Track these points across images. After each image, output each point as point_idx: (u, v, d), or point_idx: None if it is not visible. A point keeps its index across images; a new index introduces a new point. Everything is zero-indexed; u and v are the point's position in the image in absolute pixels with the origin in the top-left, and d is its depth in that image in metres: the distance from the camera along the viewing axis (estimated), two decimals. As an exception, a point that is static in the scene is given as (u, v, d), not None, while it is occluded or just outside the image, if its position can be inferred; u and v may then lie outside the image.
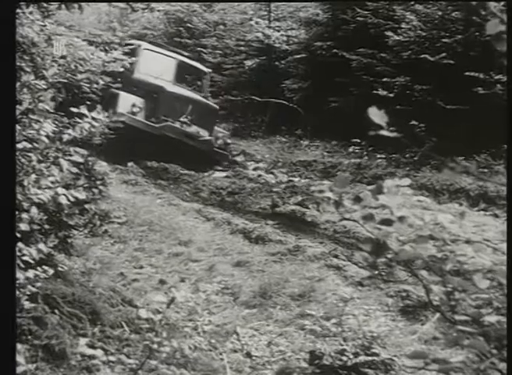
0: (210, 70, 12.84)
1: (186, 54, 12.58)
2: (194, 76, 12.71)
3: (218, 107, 12.12)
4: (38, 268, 2.96)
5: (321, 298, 4.53)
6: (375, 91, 9.76)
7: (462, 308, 1.98)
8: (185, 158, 10.83)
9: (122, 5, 13.85)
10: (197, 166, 10.86)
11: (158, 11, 14.27)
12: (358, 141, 10.19)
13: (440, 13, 9.67)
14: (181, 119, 11.20)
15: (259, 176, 9.60)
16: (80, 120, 3.57)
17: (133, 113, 10.86)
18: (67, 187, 3.48)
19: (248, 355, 3.85)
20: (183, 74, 12.36)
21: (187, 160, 10.85)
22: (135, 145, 10.67)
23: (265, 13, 13.82)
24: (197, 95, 12.02)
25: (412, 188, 2.10)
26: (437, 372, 1.94)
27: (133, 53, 10.99)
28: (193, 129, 11.29)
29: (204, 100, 12.00)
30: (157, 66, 11.81)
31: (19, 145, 3.15)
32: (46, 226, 3.53)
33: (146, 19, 14.54)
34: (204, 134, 11.37)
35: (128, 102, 10.90)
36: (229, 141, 11.88)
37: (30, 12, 4.20)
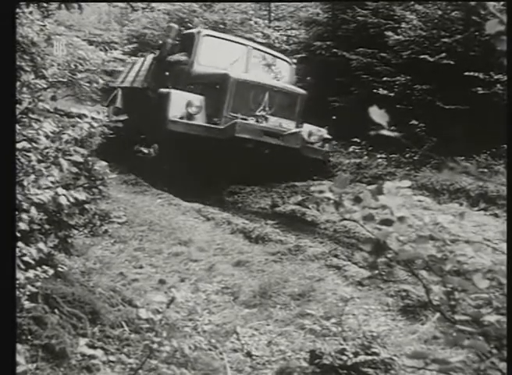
0: (294, 60, 10.63)
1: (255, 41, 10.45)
2: (272, 66, 10.03)
3: (305, 91, 9.27)
4: (38, 268, 2.96)
5: (321, 297, 4.53)
6: (375, 91, 9.77)
7: (462, 308, 1.98)
8: (271, 165, 8.49)
9: (122, 4, 13.84)
10: (292, 175, 8.64)
11: (159, 10, 14.26)
12: (358, 140, 10.19)
13: (440, 13, 9.66)
14: (257, 113, 8.62)
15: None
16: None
17: (190, 116, 8.40)
18: (67, 187, 3.49)
19: (248, 354, 3.85)
20: (258, 66, 9.75)
21: (274, 168, 8.53)
22: (197, 164, 8.34)
23: (265, 13, 13.82)
24: (273, 80, 9.46)
25: (412, 188, 2.10)
26: (437, 372, 1.94)
27: (189, 43, 9.59)
28: (274, 122, 8.64)
29: (286, 84, 9.40)
30: (222, 56, 9.44)
31: (18, 145, 3.15)
32: (46, 226, 3.54)
33: (146, 18, 14.52)
34: (290, 126, 8.66)
35: (181, 102, 8.43)
36: (326, 135, 9.05)
37: (30, 12, 4.20)
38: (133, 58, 12.43)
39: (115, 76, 12.21)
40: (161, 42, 10.81)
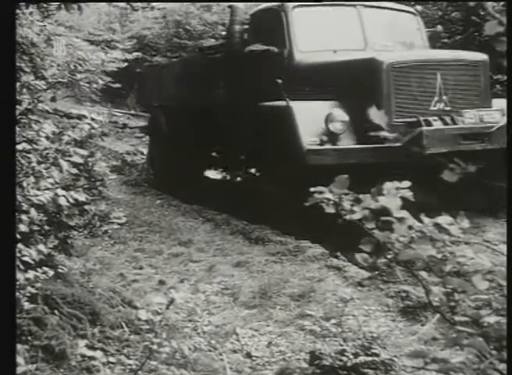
0: (418, 8, 7.59)
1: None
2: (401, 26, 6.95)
3: (486, 56, 6.12)
4: (38, 269, 2.96)
5: (321, 298, 4.52)
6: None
7: (462, 309, 1.98)
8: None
9: (122, 4, 13.84)
10: None
11: (158, 9, 14.25)
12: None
13: (440, 13, 9.67)
14: (432, 108, 5.72)
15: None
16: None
17: (334, 137, 5.67)
18: (67, 188, 3.49)
19: (248, 355, 3.85)
20: (380, 32, 6.80)
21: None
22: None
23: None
24: (431, 50, 6.97)
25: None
26: (437, 372, 1.94)
27: (269, 25, 6.93)
28: (471, 115, 5.64)
29: (459, 52, 6.50)
30: (326, 31, 6.70)
31: (18, 146, 3.16)
32: (46, 227, 3.53)
33: (146, 19, 14.53)
34: (494, 117, 5.66)
35: (314, 118, 5.69)
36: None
37: (30, 13, 4.20)
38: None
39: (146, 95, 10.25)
40: (224, 32, 8.49)
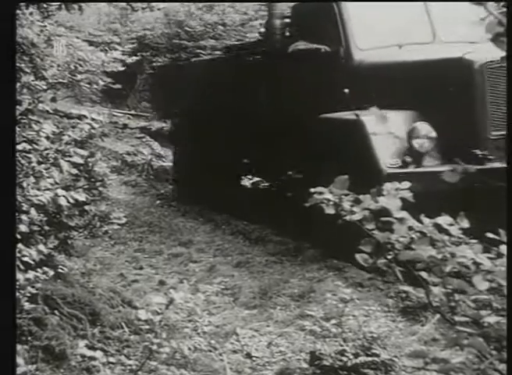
0: None
1: None
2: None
3: None
4: (38, 269, 2.96)
5: (321, 298, 4.52)
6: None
7: (462, 310, 1.98)
8: None
9: (122, 5, 13.83)
10: None
11: (158, 9, 14.24)
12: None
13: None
14: None
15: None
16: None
17: (420, 156, 4.72)
18: (67, 188, 3.49)
19: (248, 355, 3.85)
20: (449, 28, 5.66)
21: None
22: None
23: (265, 13, 13.80)
24: None
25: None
26: (437, 372, 1.94)
27: (315, 20, 5.90)
28: None
29: None
30: (387, 26, 5.56)
31: (18, 146, 3.16)
32: (46, 228, 3.54)
33: (146, 19, 14.52)
34: None
35: (391, 134, 4.67)
36: None
37: (30, 13, 4.20)
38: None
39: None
40: (261, 29, 7.28)
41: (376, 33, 5.60)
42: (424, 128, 4.78)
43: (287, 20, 6.26)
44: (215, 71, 7.60)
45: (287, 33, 6.21)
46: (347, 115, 5.02)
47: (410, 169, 4.65)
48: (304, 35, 6.01)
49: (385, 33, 5.57)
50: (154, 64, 12.03)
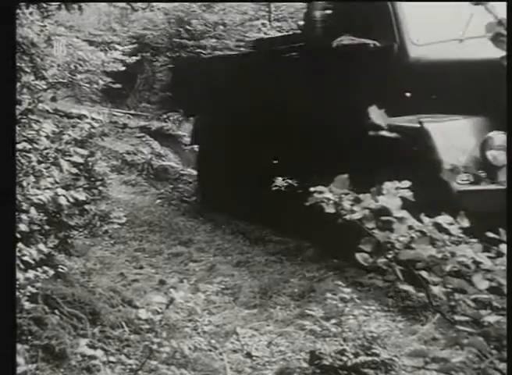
0: None
1: None
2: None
3: None
4: (38, 268, 2.96)
5: (321, 298, 4.52)
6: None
7: (462, 309, 1.98)
8: None
9: (122, 5, 13.82)
10: None
11: (158, 9, 14.23)
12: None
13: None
14: None
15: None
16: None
17: (493, 170, 4.15)
18: (67, 187, 3.49)
19: (248, 355, 3.86)
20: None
21: None
22: None
23: (265, 14, 13.81)
24: None
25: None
26: (437, 371, 1.94)
27: (360, 14, 5.25)
28: None
29: None
30: (439, 21, 4.88)
31: (18, 146, 3.16)
32: (46, 227, 3.54)
33: (146, 19, 14.51)
34: None
35: (460, 143, 4.26)
36: None
37: (30, 13, 4.20)
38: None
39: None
40: (300, 22, 6.47)
41: (431, 25, 4.89)
42: (500, 138, 4.17)
43: (328, 12, 5.50)
44: (243, 67, 6.91)
45: (328, 27, 5.44)
46: (407, 121, 4.42)
47: (484, 185, 3.99)
48: (347, 28, 5.31)
49: (445, 26, 4.88)
50: (174, 56, 11.39)
